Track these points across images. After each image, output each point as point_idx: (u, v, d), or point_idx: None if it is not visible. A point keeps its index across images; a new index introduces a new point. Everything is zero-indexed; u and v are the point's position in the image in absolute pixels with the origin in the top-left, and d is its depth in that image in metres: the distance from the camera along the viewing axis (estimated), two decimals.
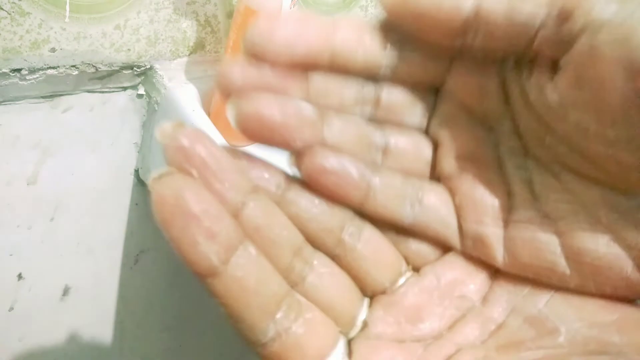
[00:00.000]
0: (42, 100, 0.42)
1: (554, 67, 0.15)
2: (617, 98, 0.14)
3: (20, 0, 0.36)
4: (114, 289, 0.58)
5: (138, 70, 0.45)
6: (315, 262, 0.17)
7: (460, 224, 0.18)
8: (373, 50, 0.17)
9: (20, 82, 0.39)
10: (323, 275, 0.17)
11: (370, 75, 0.18)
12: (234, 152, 0.16)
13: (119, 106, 0.47)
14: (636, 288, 0.16)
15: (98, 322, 0.59)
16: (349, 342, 0.17)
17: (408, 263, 0.18)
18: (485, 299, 0.17)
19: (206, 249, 0.14)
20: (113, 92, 0.46)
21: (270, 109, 0.16)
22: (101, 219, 0.52)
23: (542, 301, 0.17)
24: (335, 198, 0.17)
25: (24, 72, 0.39)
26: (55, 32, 0.38)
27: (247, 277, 0.14)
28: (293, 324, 0.15)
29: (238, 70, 0.16)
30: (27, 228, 0.47)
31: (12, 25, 0.36)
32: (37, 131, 0.43)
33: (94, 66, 0.42)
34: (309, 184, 0.17)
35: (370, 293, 0.18)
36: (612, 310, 0.16)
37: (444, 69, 0.18)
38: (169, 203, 0.13)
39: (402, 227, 0.18)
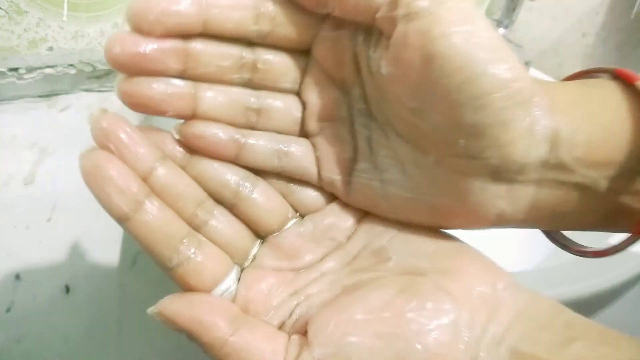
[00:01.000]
0: (39, 99, 0.42)
1: (388, 44, 0.19)
2: (416, 78, 0.18)
3: None
4: (112, 289, 0.57)
5: None
6: (215, 212, 0.21)
7: (319, 172, 0.23)
8: (244, 17, 0.20)
9: (17, 81, 0.39)
10: (222, 221, 0.21)
11: (246, 41, 0.21)
12: (149, 130, 0.21)
13: (117, 105, 0.47)
14: (439, 224, 0.21)
15: (96, 323, 0.58)
16: (241, 271, 0.22)
17: (296, 212, 0.23)
18: (349, 239, 0.23)
19: (118, 202, 0.18)
20: (111, 91, 0.46)
21: (141, 88, 0.19)
22: (99, 219, 0.51)
23: (387, 238, 0.22)
24: (211, 156, 0.21)
25: (21, 71, 0.39)
26: (53, 31, 0.38)
27: (152, 220, 0.19)
28: (193, 255, 0.20)
29: (118, 46, 0.18)
30: (25, 228, 0.47)
31: (9, 24, 0.36)
32: (34, 130, 0.43)
33: (91, 65, 0.42)
34: (187, 146, 0.21)
35: (263, 235, 0.23)
36: (433, 244, 0.21)
37: (311, 37, 0.21)
38: (92, 170, 0.18)
39: (276, 175, 0.23)
